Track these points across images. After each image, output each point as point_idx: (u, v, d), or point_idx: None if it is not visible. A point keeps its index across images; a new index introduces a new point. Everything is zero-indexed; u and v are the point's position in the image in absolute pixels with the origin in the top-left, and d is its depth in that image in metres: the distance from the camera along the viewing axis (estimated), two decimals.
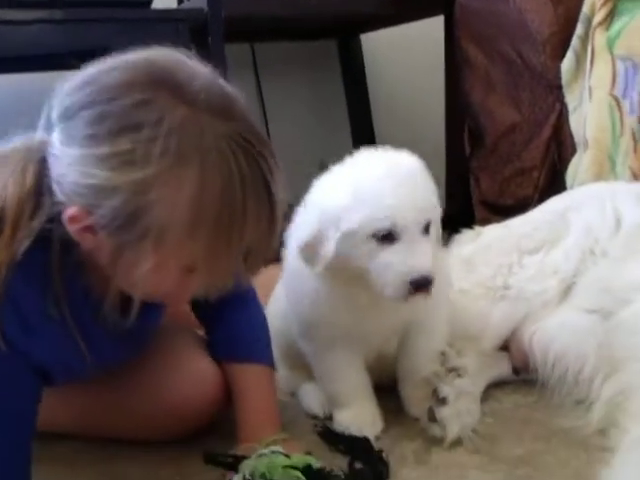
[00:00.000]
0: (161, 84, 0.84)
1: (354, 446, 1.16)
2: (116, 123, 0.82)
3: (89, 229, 0.85)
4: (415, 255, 1.05)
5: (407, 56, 2.86)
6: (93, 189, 0.82)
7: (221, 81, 0.90)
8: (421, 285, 1.04)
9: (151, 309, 1.08)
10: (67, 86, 0.87)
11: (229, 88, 0.90)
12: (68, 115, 0.85)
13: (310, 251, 1.10)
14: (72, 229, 0.86)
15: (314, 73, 2.91)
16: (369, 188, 1.06)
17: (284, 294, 1.28)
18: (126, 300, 0.94)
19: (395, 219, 1.05)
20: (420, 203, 1.08)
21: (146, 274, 0.85)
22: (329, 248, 1.07)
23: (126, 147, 0.81)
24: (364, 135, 2.82)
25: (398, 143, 3.01)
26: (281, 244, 1.23)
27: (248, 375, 1.18)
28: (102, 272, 0.91)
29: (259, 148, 0.87)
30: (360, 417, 1.23)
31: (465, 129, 2.25)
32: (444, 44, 2.38)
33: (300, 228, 1.13)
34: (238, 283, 1.21)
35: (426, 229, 1.09)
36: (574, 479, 1.05)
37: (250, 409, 1.16)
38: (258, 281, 1.84)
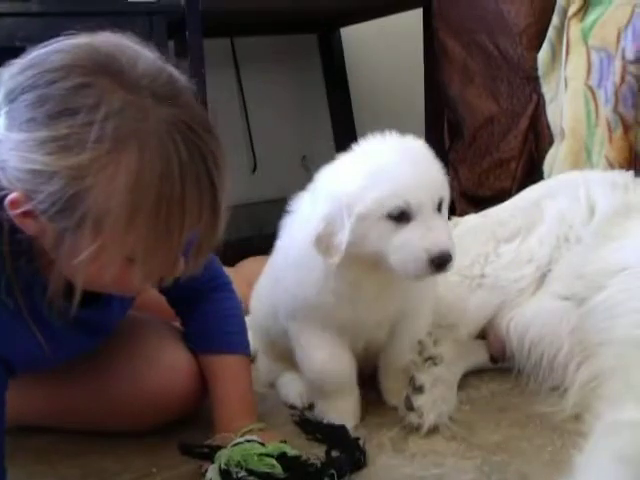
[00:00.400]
0: (102, 68, 0.83)
1: (331, 434, 1.16)
2: (55, 107, 0.81)
3: (29, 214, 0.84)
4: (433, 232, 1.05)
5: (387, 49, 2.86)
6: (32, 174, 0.81)
7: (170, 68, 0.88)
8: (442, 262, 1.04)
9: (116, 300, 1.07)
10: (11, 69, 0.86)
11: (178, 76, 0.89)
12: (11, 98, 0.84)
13: (324, 242, 1.08)
14: (13, 214, 0.84)
15: (295, 67, 2.91)
16: (380, 168, 1.06)
17: (272, 284, 1.27)
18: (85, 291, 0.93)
19: (409, 197, 1.04)
20: (432, 181, 1.08)
21: (86, 262, 0.84)
22: (343, 236, 1.06)
23: (63, 132, 0.80)
24: (345, 128, 2.82)
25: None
26: (273, 236, 1.23)
27: (223, 365, 1.17)
28: (49, 258, 0.90)
29: (203, 137, 0.85)
30: (342, 407, 1.22)
31: (444, 121, 2.26)
32: (423, 37, 2.38)
33: (309, 219, 1.11)
34: (212, 274, 1.22)
35: (438, 208, 1.09)
36: (549, 464, 1.06)
37: (225, 399, 1.16)
38: (240, 273, 1.85)
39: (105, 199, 0.81)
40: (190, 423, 1.22)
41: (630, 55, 1.63)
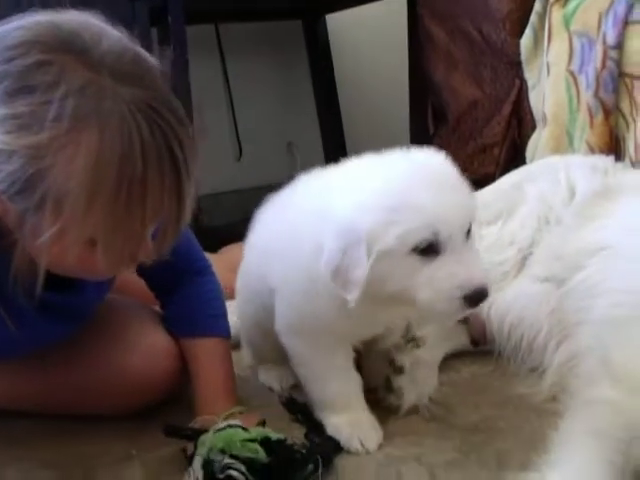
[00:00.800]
0: (64, 46, 0.81)
1: (313, 417, 1.17)
2: (13, 84, 0.80)
3: None
4: (465, 266, 0.94)
5: (372, 36, 2.86)
6: None
7: (136, 48, 0.87)
8: (477, 298, 0.93)
9: (91, 284, 1.07)
10: None
11: (144, 56, 0.87)
12: None
13: (342, 277, 0.95)
14: None
15: (280, 54, 2.90)
16: (403, 198, 0.93)
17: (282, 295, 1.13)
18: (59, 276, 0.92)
19: (438, 228, 0.92)
20: (462, 206, 0.96)
21: (48, 243, 0.83)
22: (361, 272, 0.93)
23: (21, 110, 0.79)
24: (330, 115, 2.82)
25: (364, 122, 3.01)
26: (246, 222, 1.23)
27: (204, 348, 1.18)
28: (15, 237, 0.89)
29: (168, 119, 0.84)
30: (359, 423, 1.12)
31: (428, 107, 2.26)
32: (407, 23, 2.38)
33: (318, 244, 0.98)
34: (191, 257, 1.22)
35: (467, 232, 0.97)
36: (527, 444, 1.06)
37: (206, 382, 1.16)
38: (223, 259, 1.84)
39: (65, 180, 0.80)
40: (170, 406, 1.22)
41: (611, 40, 1.64)
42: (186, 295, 1.20)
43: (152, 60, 0.88)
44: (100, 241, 0.85)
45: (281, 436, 1.06)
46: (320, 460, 1.02)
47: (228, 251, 1.88)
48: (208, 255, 1.50)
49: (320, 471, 1.02)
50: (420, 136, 2.30)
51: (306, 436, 1.11)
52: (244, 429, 1.05)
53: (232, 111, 2.77)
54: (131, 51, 0.86)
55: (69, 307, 1.06)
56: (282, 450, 1.04)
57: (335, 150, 2.68)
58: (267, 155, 2.78)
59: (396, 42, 2.52)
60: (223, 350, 1.19)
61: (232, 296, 1.48)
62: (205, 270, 1.24)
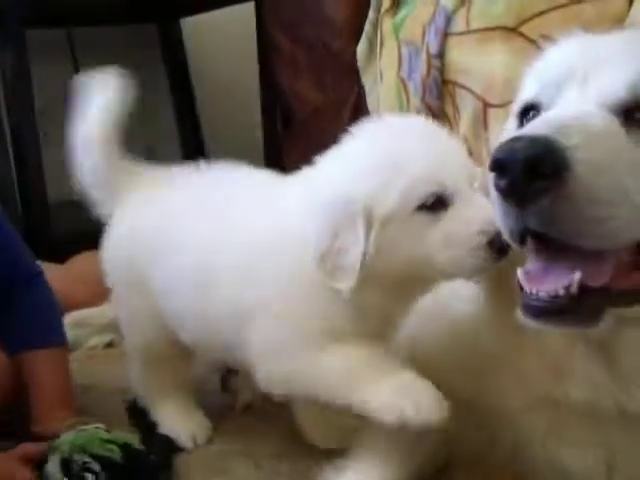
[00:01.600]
0: None
1: (151, 428, 1.19)
2: None
3: None
4: (481, 210, 0.82)
5: (227, 41, 2.89)
6: None
7: None
8: (502, 243, 0.78)
9: None
10: None
11: None
12: None
13: (330, 263, 0.83)
14: None
15: (135, 58, 2.88)
16: (397, 153, 0.84)
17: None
18: None
19: (441, 177, 0.82)
20: (460, 154, 0.88)
21: None
22: (357, 251, 0.82)
23: None
24: (188, 118, 2.84)
25: (222, 126, 3.02)
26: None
27: (38, 359, 1.19)
28: None
29: None
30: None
31: (277, 112, 2.33)
32: (256, 30, 2.44)
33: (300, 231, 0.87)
34: (21, 267, 1.22)
35: None
36: None
37: (42, 391, 1.18)
38: (71, 270, 1.84)
39: None
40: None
41: (433, 50, 1.75)
42: (18, 307, 1.21)
43: None
44: None
45: (142, 448, 1.07)
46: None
47: (76, 261, 1.87)
48: (55, 266, 1.50)
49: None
50: (272, 139, 2.37)
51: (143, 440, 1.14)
52: (107, 431, 1.07)
53: None
54: None
55: None
56: (140, 457, 1.06)
57: (194, 153, 2.71)
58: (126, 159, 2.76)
59: (248, 48, 2.57)
60: (58, 360, 1.21)
61: (79, 307, 1.49)
62: (35, 278, 1.24)
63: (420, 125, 0.91)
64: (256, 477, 1.05)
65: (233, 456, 1.11)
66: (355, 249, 0.81)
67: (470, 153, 1.71)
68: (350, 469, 0.92)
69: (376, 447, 0.93)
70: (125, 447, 1.05)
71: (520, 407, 0.84)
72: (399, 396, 0.83)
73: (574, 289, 0.64)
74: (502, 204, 0.66)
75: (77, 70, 2.70)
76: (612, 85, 0.70)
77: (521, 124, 0.81)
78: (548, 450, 0.84)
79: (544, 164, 0.61)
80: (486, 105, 1.63)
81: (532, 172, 0.61)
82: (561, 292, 0.65)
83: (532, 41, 1.50)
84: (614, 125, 0.68)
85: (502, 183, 0.63)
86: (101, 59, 2.83)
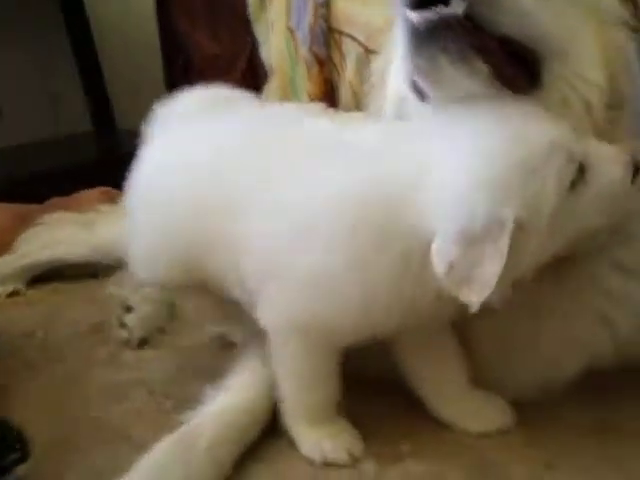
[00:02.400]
0: None
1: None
2: None
3: None
4: (607, 146, 0.80)
5: None
6: None
7: None
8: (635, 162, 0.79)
9: None
10: None
11: None
12: None
13: (459, 275, 0.73)
14: None
15: (33, 8, 2.84)
16: (529, 135, 0.76)
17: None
18: None
19: (570, 147, 0.77)
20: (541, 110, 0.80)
21: None
22: (496, 267, 0.71)
23: None
24: (91, 66, 2.83)
25: (125, 72, 3.00)
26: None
27: None
28: None
29: None
30: (341, 433, 0.94)
31: (179, 60, 2.38)
32: None
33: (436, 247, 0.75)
34: None
35: None
36: None
37: None
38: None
39: None
40: None
41: None
42: None
43: None
44: None
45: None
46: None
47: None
48: None
49: None
50: (173, 87, 2.42)
51: None
52: None
53: None
54: None
55: None
56: None
57: (97, 102, 2.74)
58: (29, 111, 2.76)
59: None
60: None
61: None
62: None
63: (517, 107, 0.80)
64: (147, 401, 1.17)
65: (131, 385, 1.23)
66: (493, 264, 0.71)
67: (356, 98, 1.86)
68: (226, 388, 1.05)
69: (250, 366, 1.06)
70: None
71: None
72: (333, 441, 0.92)
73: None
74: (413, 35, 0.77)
75: None
76: None
77: None
78: None
79: None
80: (368, 51, 1.74)
81: None
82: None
83: None
84: None
85: None
86: None
